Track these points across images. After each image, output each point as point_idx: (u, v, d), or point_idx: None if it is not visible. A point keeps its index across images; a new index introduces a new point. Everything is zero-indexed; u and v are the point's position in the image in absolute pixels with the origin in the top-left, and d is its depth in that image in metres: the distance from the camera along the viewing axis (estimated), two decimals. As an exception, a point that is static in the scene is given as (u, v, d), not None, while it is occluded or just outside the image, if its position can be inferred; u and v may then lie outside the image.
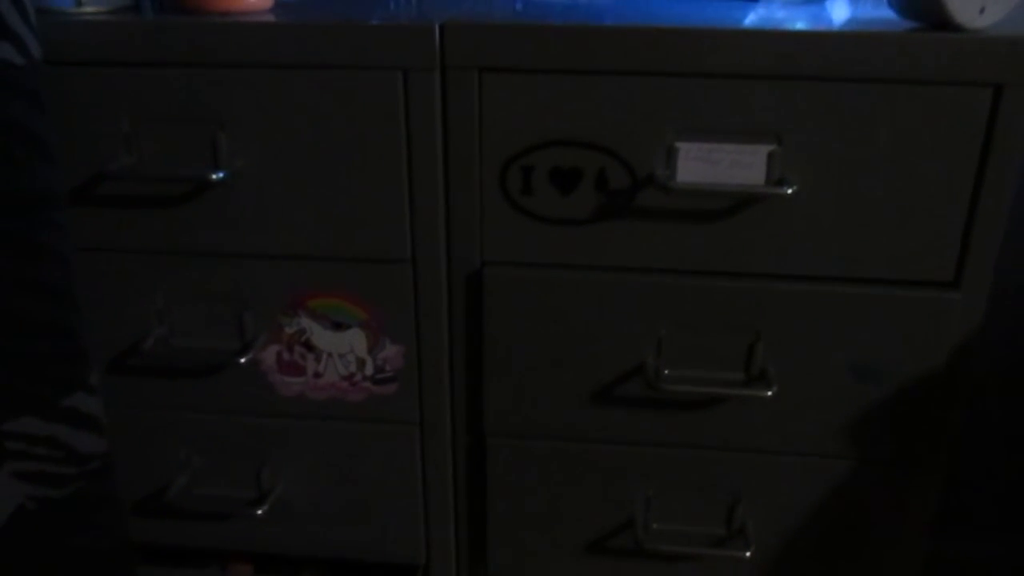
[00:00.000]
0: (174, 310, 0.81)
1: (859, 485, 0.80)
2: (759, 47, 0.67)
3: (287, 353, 0.81)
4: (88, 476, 0.72)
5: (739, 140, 0.70)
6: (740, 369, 0.77)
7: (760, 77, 0.68)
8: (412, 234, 0.76)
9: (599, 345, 0.77)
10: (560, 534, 0.85)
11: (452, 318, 0.79)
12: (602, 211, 0.73)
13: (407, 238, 0.76)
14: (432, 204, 0.75)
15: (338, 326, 0.80)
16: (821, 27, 0.69)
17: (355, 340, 0.80)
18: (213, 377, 0.83)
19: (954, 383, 0.75)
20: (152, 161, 0.75)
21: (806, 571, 0.84)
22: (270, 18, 0.73)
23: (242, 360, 0.79)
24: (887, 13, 0.76)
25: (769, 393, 0.74)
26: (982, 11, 0.66)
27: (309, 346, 0.81)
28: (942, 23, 0.67)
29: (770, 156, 0.70)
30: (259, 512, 0.84)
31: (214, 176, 0.72)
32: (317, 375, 0.82)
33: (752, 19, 0.76)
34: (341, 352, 0.81)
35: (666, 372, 0.77)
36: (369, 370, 0.81)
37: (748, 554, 0.81)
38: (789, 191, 0.69)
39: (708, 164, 0.71)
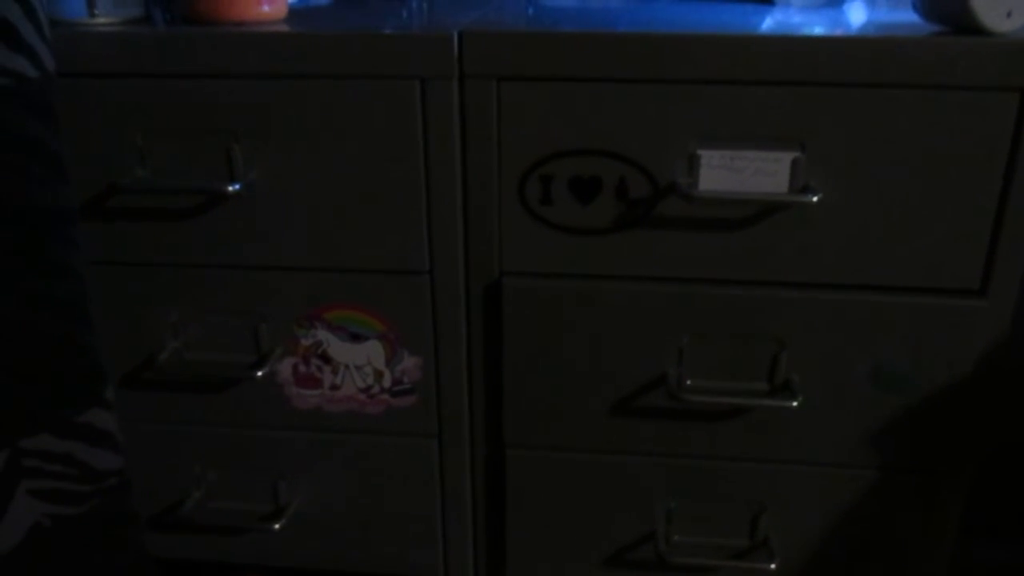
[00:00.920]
0: (189, 323, 0.80)
1: (884, 495, 0.79)
2: (783, 53, 0.66)
3: (303, 366, 0.80)
4: (104, 493, 0.71)
5: (762, 147, 0.69)
6: (763, 379, 0.75)
7: (783, 83, 0.67)
8: (430, 244, 0.75)
9: (620, 355, 0.76)
10: (580, 546, 0.84)
11: (471, 329, 0.78)
12: (622, 220, 0.72)
13: (425, 249, 0.75)
14: (450, 214, 0.74)
15: (355, 338, 0.79)
16: (847, 32, 0.68)
17: (373, 352, 0.79)
18: (229, 390, 0.82)
19: (981, 391, 0.74)
20: (166, 173, 0.74)
21: (831, 583, 0.83)
22: (284, 28, 0.73)
23: (258, 373, 0.78)
24: (903, 16, 0.75)
25: (794, 404, 0.73)
26: (1009, 15, 0.65)
27: (326, 358, 0.80)
28: (968, 27, 0.66)
29: (794, 163, 0.69)
30: (276, 527, 0.84)
31: (229, 188, 0.72)
32: (334, 388, 0.81)
33: (769, 24, 0.75)
34: (358, 364, 0.80)
35: (688, 382, 0.76)
36: (387, 382, 0.80)
37: (773, 566, 0.79)
38: (814, 199, 0.68)
39: (731, 172, 0.70)
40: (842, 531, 0.80)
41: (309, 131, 0.72)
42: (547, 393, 0.78)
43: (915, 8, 0.70)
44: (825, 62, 0.66)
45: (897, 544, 0.80)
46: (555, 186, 0.72)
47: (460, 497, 0.84)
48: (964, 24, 0.66)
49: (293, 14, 0.82)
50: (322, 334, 0.79)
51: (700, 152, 0.69)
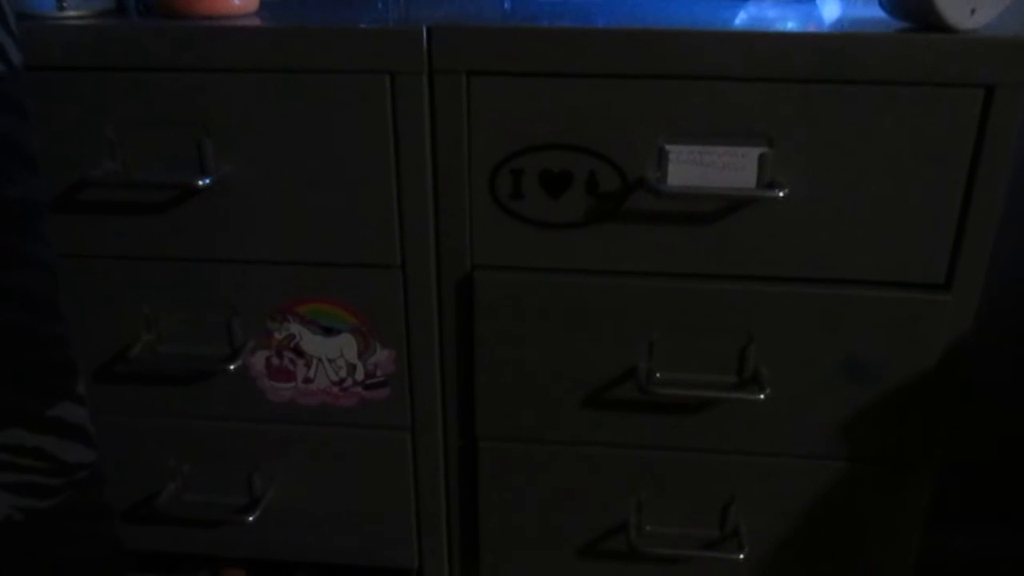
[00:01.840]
0: (161, 317, 0.80)
1: (852, 486, 0.80)
2: (749, 48, 0.66)
3: (277, 359, 0.81)
4: (76, 486, 0.71)
5: (730, 142, 0.69)
6: (732, 372, 0.76)
7: (751, 79, 0.67)
8: (401, 239, 0.75)
9: (590, 348, 0.76)
10: (553, 537, 0.85)
11: (443, 322, 0.78)
12: (593, 214, 0.73)
13: (396, 242, 0.75)
14: (421, 208, 0.74)
15: (328, 331, 0.79)
16: (811, 28, 0.69)
17: (345, 345, 0.79)
18: (202, 384, 0.82)
19: (945, 384, 0.75)
20: (137, 167, 0.74)
21: (799, 572, 0.84)
22: (256, 21, 0.73)
23: (231, 366, 0.78)
24: (878, 12, 0.76)
25: (761, 396, 0.74)
26: (973, 12, 0.66)
27: (299, 352, 0.80)
28: (933, 24, 0.67)
29: (761, 158, 0.69)
30: (250, 518, 0.84)
31: (200, 182, 0.72)
32: (307, 381, 0.81)
33: (743, 19, 0.76)
34: (331, 357, 0.80)
35: (658, 375, 0.77)
36: (360, 375, 0.80)
37: (742, 556, 0.80)
38: (780, 194, 0.68)
39: (699, 167, 0.70)
40: (810, 521, 0.81)
41: (280, 125, 0.72)
42: (519, 386, 0.79)
43: (881, 5, 0.71)
44: (792, 58, 0.66)
45: (865, 533, 0.82)
46: (526, 180, 0.72)
47: (433, 489, 0.85)
48: (929, 21, 0.66)
49: (266, 7, 0.82)
50: (295, 327, 0.79)
51: (668, 147, 0.70)
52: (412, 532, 0.87)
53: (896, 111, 0.67)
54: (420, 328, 0.78)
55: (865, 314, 0.73)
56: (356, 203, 0.74)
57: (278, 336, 0.80)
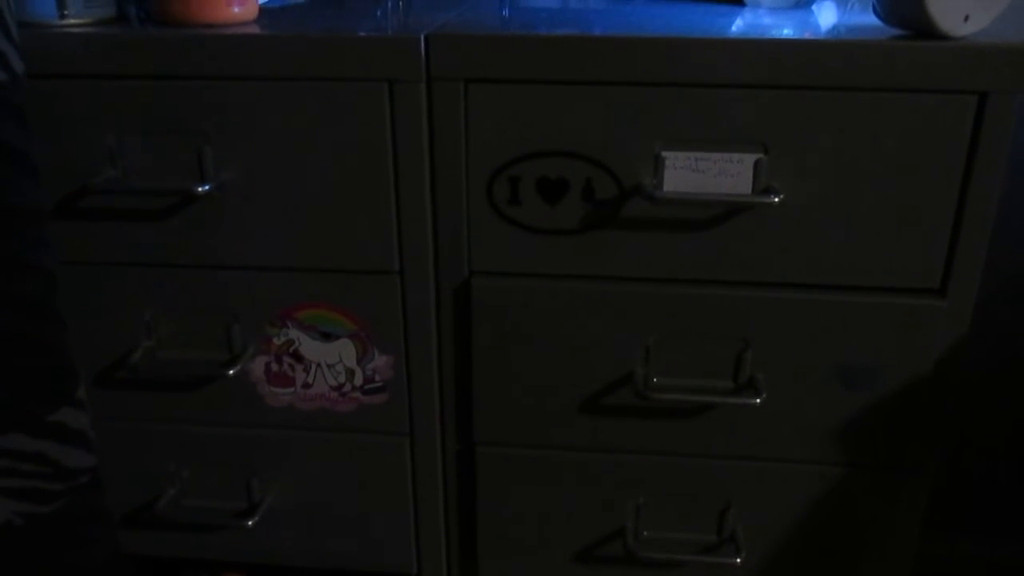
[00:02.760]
0: (161, 323, 0.80)
1: (848, 490, 0.80)
2: (745, 56, 0.67)
3: (276, 364, 0.81)
4: (76, 491, 0.71)
5: (726, 149, 0.70)
6: (729, 377, 0.77)
7: (746, 86, 0.68)
8: (399, 245, 0.76)
9: (587, 354, 0.77)
10: (551, 542, 0.85)
11: (441, 328, 0.79)
12: (589, 221, 0.73)
13: (395, 249, 0.76)
14: (419, 215, 0.74)
15: (327, 337, 0.79)
16: (807, 35, 0.69)
17: (344, 351, 0.80)
18: (201, 389, 0.82)
19: (941, 389, 0.75)
20: (137, 174, 0.75)
21: (796, 577, 0.84)
22: (255, 29, 0.73)
23: (230, 372, 0.79)
24: (873, 19, 0.76)
25: (757, 401, 0.74)
26: (966, 19, 0.66)
27: (298, 357, 0.80)
28: (927, 31, 0.67)
29: (757, 165, 0.70)
30: (249, 523, 0.84)
31: (200, 189, 0.72)
32: (306, 386, 0.82)
33: (739, 26, 0.76)
34: (330, 363, 0.80)
35: (655, 381, 0.77)
36: (358, 380, 0.81)
37: (739, 560, 0.81)
38: (776, 199, 0.69)
39: (695, 173, 0.71)
40: (807, 526, 0.82)
41: (279, 132, 0.72)
42: (516, 391, 0.79)
43: (875, 12, 0.71)
44: (787, 65, 0.67)
45: (862, 538, 0.82)
46: (523, 187, 0.73)
47: (432, 494, 0.85)
48: (922, 28, 0.67)
49: (267, 14, 0.82)
50: (294, 333, 0.79)
51: (664, 154, 0.70)
52: (410, 537, 0.87)
53: (890, 118, 0.68)
54: (418, 334, 0.79)
55: (861, 319, 0.73)
56: (355, 210, 0.74)
57: (277, 342, 0.80)
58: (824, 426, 0.78)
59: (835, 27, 0.76)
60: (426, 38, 0.69)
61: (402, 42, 0.69)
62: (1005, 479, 1.19)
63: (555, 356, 0.77)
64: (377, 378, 0.80)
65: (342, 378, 0.81)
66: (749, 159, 0.70)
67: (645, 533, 0.83)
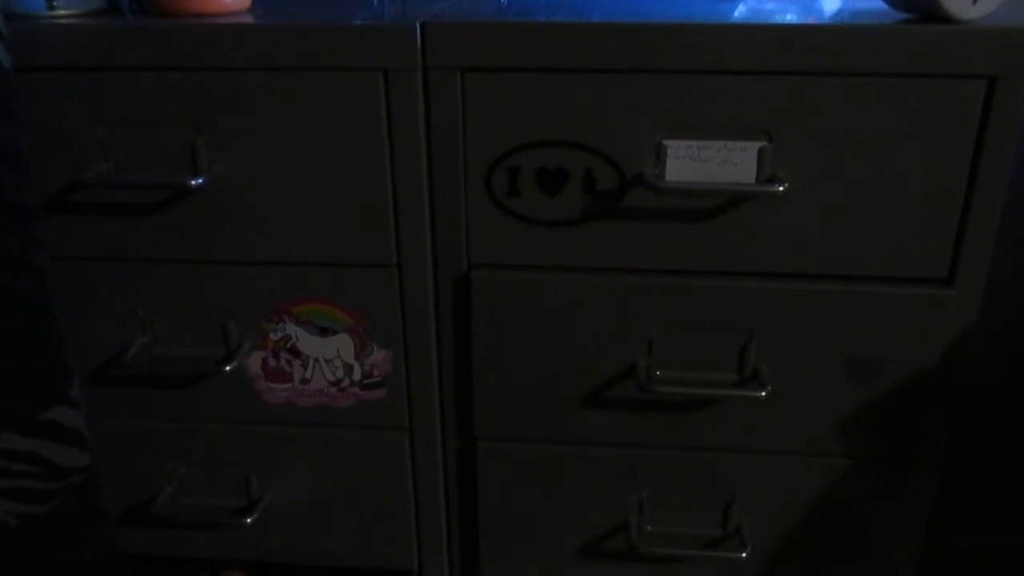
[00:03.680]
0: (156, 319, 0.79)
1: (855, 483, 0.79)
2: (747, 41, 0.65)
3: (273, 360, 0.80)
4: (70, 491, 0.70)
5: (729, 137, 0.68)
6: (733, 369, 0.75)
7: (749, 72, 0.66)
8: (397, 237, 0.74)
9: (589, 347, 0.76)
10: (553, 537, 0.84)
11: (440, 322, 0.78)
12: (590, 212, 0.72)
13: (392, 241, 0.74)
14: (417, 207, 0.73)
15: (324, 332, 0.78)
16: (810, 20, 0.68)
17: (342, 346, 0.79)
18: (198, 386, 0.81)
19: (949, 379, 0.74)
20: (129, 168, 0.74)
21: (802, 571, 0.83)
22: (248, 19, 0.72)
23: (227, 368, 0.78)
24: (879, 3, 0.75)
25: (762, 394, 0.73)
26: (975, 2, 0.65)
27: (295, 352, 0.79)
28: (935, 15, 0.66)
29: (760, 153, 0.68)
30: (248, 521, 0.83)
31: (193, 182, 0.71)
32: (304, 381, 0.80)
33: (742, 11, 0.75)
34: (328, 358, 0.79)
35: (657, 373, 0.76)
36: (357, 375, 0.80)
37: (744, 555, 0.80)
38: (780, 188, 0.67)
39: (697, 162, 0.69)
40: (813, 519, 0.81)
41: (273, 124, 0.71)
42: (517, 385, 0.78)
43: (882, -4, 0.70)
44: (791, 51, 0.65)
45: (868, 531, 0.81)
46: (522, 178, 0.71)
47: (432, 489, 0.84)
48: (930, 12, 0.65)
49: (260, 3, 0.81)
50: (291, 328, 0.78)
51: (667, 143, 0.69)
52: (411, 533, 0.86)
53: (897, 104, 0.66)
54: (417, 328, 0.77)
55: (867, 309, 0.72)
56: (351, 202, 0.73)
57: (274, 337, 0.79)
58: (830, 418, 0.76)
59: (840, 12, 0.74)
60: (422, 26, 0.67)
61: (397, 30, 0.67)
62: (1012, 471, 1.18)
63: (556, 349, 0.76)
64: (376, 373, 0.79)
65: (340, 373, 0.80)
66: (752, 147, 0.68)
67: (649, 528, 0.82)
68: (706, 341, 0.75)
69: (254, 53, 0.69)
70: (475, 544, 0.86)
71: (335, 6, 0.79)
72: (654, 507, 0.82)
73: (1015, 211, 1.03)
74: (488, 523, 0.84)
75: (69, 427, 0.69)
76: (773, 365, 0.75)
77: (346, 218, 0.73)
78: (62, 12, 0.74)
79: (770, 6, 0.79)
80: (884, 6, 0.72)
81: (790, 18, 0.70)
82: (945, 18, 0.65)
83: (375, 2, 0.84)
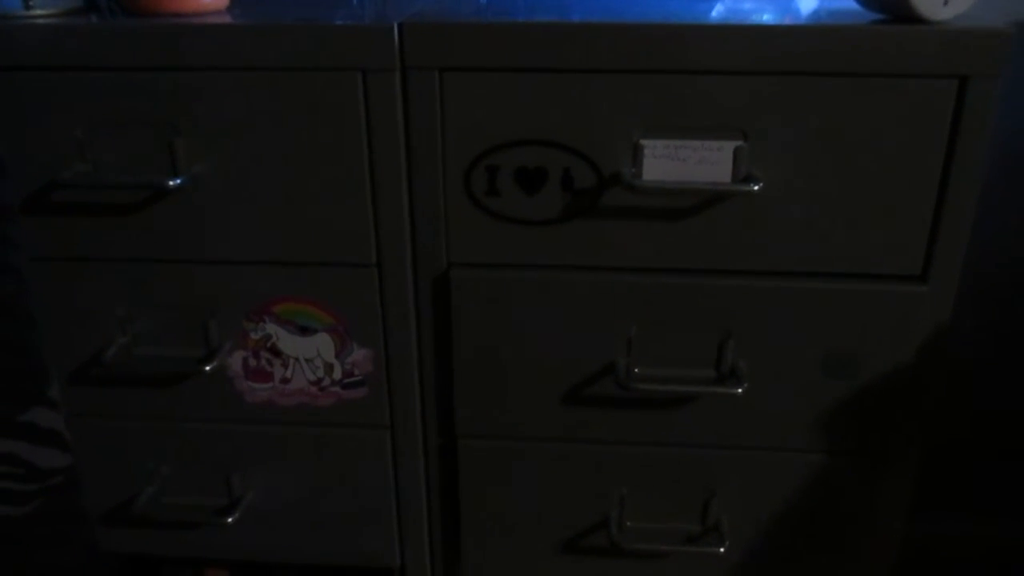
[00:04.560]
0: (136, 319, 0.79)
1: (832, 477, 0.80)
2: (724, 41, 0.66)
3: (254, 359, 0.80)
4: (50, 492, 0.70)
5: (705, 136, 0.69)
6: (711, 366, 0.76)
7: (726, 72, 0.67)
8: (377, 237, 0.74)
9: (568, 345, 0.76)
10: (535, 534, 0.85)
11: (420, 320, 0.78)
12: (569, 211, 0.72)
13: (372, 241, 0.75)
14: (396, 206, 0.73)
15: (304, 331, 0.78)
16: (787, 20, 0.68)
17: (322, 345, 0.79)
18: (179, 385, 0.81)
19: (924, 375, 0.75)
20: (108, 168, 0.73)
21: (781, 565, 0.84)
22: (226, 19, 0.72)
23: (207, 368, 0.78)
24: (854, 4, 0.76)
25: (739, 391, 0.73)
26: (946, 3, 0.66)
27: (276, 352, 0.79)
28: (906, 15, 0.66)
29: (736, 152, 0.69)
30: (230, 520, 0.83)
31: (171, 182, 0.71)
32: (285, 381, 0.81)
33: (719, 11, 0.75)
34: (308, 357, 0.79)
35: (636, 371, 0.76)
36: (338, 375, 0.80)
37: (722, 550, 0.80)
38: (755, 188, 0.68)
39: (674, 161, 0.70)
40: (792, 514, 0.82)
41: (252, 123, 0.71)
42: (497, 383, 0.78)
43: (855, -4, 0.71)
44: (767, 51, 0.66)
45: (846, 525, 0.82)
46: (501, 177, 0.72)
47: (414, 487, 0.84)
48: (902, 12, 0.66)
49: (238, 3, 0.81)
50: (271, 328, 0.78)
51: (644, 142, 0.69)
52: (393, 531, 0.86)
53: (870, 103, 0.67)
54: (397, 326, 0.78)
55: (842, 307, 0.73)
56: (330, 201, 0.73)
57: (254, 336, 0.79)
58: (807, 414, 0.77)
59: (815, 12, 0.75)
60: (400, 26, 0.68)
61: (375, 30, 0.68)
62: (988, 463, 1.19)
63: (536, 347, 0.76)
64: (356, 372, 0.79)
65: (321, 372, 0.80)
66: (728, 146, 0.69)
67: (629, 523, 0.83)
68: (685, 339, 0.75)
69: (232, 53, 0.69)
70: (457, 541, 0.87)
71: (313, 6, 0.79)
72: (634, 503, 0.82)
73: (988, 207, 1.04)
74: (469, 520, 0.85)
75: (47, 428, 0.69)
76: (751, 362, 0.75)
77: (325, 217, 0.74)
78: (39, 12, 0.74)
79: (747, 6, 0.80)
80: (858, 7, 0.73)
81: (767, 18, 0.71)
82: (917, 18, 0.66)
83: (354, 2, 0.84)
